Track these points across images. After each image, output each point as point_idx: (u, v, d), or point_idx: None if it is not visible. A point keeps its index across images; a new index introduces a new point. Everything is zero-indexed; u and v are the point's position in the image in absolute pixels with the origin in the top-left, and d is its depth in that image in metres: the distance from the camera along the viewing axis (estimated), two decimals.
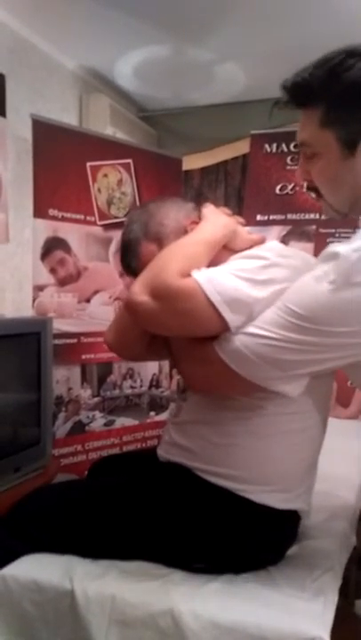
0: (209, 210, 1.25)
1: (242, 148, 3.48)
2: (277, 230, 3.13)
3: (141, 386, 2.78)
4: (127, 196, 2.71)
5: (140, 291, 1.06)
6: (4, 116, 2.48)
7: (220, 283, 1.03)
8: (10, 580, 1.17)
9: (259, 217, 3.19)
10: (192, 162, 3.58)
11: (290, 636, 0.99)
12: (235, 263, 1.10)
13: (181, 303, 1.03)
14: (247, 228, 1.27)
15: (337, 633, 1.02)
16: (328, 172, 1.04)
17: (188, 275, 1.05)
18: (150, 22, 2.62)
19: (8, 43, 2.61)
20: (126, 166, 2.71)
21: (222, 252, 1.18)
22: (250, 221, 3.22)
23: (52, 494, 1.35)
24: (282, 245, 1.21)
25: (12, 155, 2.59)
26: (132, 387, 2.74)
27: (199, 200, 3.72)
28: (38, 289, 2.37)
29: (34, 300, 2.37)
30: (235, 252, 1.19)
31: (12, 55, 2.64)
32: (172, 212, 1.25)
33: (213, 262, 1.13)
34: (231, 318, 1.02)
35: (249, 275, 1.05)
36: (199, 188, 3.75)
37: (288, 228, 3.12)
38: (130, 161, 2.72)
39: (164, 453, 1.30)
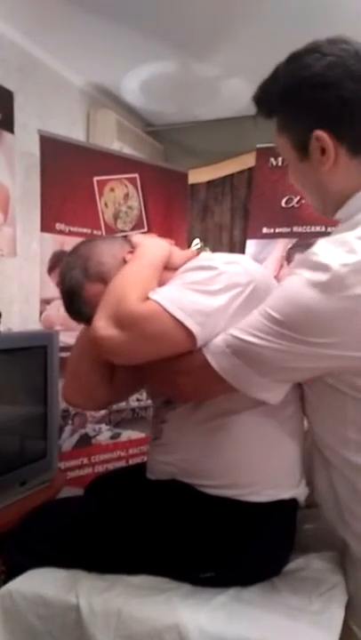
0: (139, 237, 1.27)
1: (248, 161, 3.50)
2: (283, 243, 3.14)
3: (147, 399, 2.78)
4: (134, 210, 2.74)
5: (104, 325, 1.04)
6: (12, 133, 2.52)
7: (178, 298, 1.04)
8: (16, 595, 1.17)
9: (265, 230, 3.20)
10: (198, 175, 3.60)
11: None
12: (185, 277, 1.11)
13: (149, 327, 1.03)
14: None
15: None
16: (295, 176, 1.12)
17: (147, 299, 1.05)
18: (156, 38, 2.66)
19: (16, 60, 2.65)
20: (133, 180, 2.73)
21: (163, 272, 1.20)
22: (256, 234, 3.23)
23: (58, 509, 1.35)
24: (224, 254, 1.22)
25: (20, 170, 2.62)
26: (138, 399, 2.74)
27: (205, 213, 3.76)
28: (45, 302, 2.39)
29: (41, 314, 2.39)
30: (173, 270, 1.21)
31: (21, 72, 2.68)
32: (107, 249, 1.24)
33: (159, 283, 1.15)
34: (197, 330, 1.03)
35: (203, 286, 1.07)
36: (205, 202, 3.77)
37: (294, 240, 3.12)
38: (136, 175, 2.74)
39: (153, 477, 1.29)
